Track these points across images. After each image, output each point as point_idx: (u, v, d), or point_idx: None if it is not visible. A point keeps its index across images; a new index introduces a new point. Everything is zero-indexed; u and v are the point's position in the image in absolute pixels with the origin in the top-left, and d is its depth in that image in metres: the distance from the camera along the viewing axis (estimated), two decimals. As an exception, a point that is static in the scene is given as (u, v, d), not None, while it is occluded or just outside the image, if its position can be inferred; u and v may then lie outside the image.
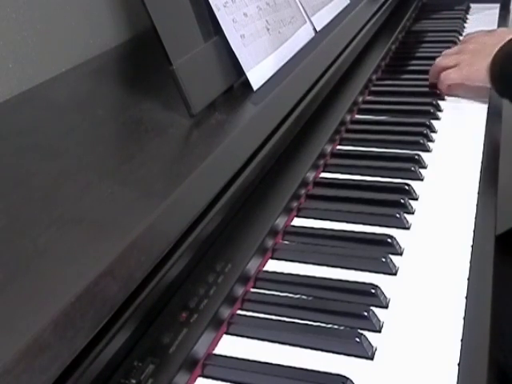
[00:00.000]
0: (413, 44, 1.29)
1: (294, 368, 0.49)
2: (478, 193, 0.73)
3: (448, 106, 0.98)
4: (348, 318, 0.54)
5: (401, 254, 0.63)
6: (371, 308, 0.54)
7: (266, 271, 0.61)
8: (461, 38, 1.32)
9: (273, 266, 0.62)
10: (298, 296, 0.57)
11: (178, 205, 0.47)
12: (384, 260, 0.60)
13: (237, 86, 0.66)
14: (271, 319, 0.55)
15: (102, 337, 0.39)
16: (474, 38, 1.05)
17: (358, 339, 0.51)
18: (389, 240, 0.63)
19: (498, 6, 1.52)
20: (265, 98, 0.65)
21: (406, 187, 0.73)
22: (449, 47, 1.22)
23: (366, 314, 0.53)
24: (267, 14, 0.73)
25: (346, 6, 1.02)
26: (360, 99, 0.98)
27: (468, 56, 0.99)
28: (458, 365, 0.49)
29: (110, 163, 0.52)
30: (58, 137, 0.58)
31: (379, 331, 0.53)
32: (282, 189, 0.68)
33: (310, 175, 0.75)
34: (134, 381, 0.43)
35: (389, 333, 0.53)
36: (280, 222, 0.65)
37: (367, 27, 1.04)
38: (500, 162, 0.82)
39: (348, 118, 0.91)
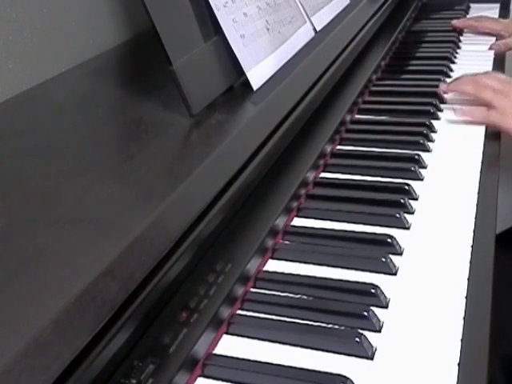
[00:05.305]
0: (413, 44, 1.29)
1: (294, 368, 0.49)
2: (478, 193, 0.73)
3: (448, 105, 0.98)
4: (348, 318, 0.54)
5: (401, 254, 0.63)
6: (371, 308, 0.54)
7: (266, 271, 0.61)
8: (461, 37, 1.32)
9: (273, 266, 0.62)
10: (298, 296, 0.57)
11: (178, 205, 0.47)
12: (384, 260, 0.60)
13: (237, 86, 0.66)
14: (271, 319, 0.55)
15: (102, 336, 0.39)
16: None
17: (357, 339, 0.51)
18: (389, 240, 0.63)
19: (497, 6, 1.52)
20: (265, 98, 0.64)
21: (406, 187, 0.73)
22: (449, 47, 1.23)
23: (365, 313, 0.53)
24: (267, 14, 0.73)
25: (346, 6, 1.02)
26: (360, 99, 0.98)
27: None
28: (458, 365, 0.49)
29: (110, 163, 0.52)
30: (58, 137, 0.58)
31: (379, 331, 0.53)
32: (282, 189, 0.68)
33: (310, 175, 0.75)
34: (134, 381, 0.43)
35: (389, 333, 0.53)
36: (280, 221, 0.65)
37: (367, 27, 1.04)
38: (500, 161, 0.82)
39: (348, 118, 0.91)
